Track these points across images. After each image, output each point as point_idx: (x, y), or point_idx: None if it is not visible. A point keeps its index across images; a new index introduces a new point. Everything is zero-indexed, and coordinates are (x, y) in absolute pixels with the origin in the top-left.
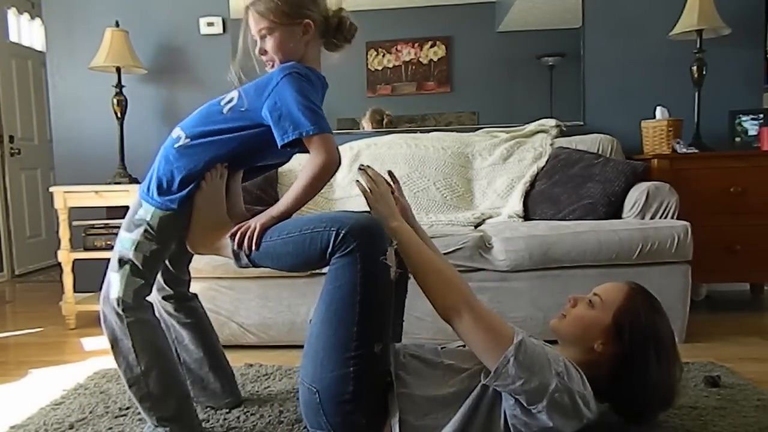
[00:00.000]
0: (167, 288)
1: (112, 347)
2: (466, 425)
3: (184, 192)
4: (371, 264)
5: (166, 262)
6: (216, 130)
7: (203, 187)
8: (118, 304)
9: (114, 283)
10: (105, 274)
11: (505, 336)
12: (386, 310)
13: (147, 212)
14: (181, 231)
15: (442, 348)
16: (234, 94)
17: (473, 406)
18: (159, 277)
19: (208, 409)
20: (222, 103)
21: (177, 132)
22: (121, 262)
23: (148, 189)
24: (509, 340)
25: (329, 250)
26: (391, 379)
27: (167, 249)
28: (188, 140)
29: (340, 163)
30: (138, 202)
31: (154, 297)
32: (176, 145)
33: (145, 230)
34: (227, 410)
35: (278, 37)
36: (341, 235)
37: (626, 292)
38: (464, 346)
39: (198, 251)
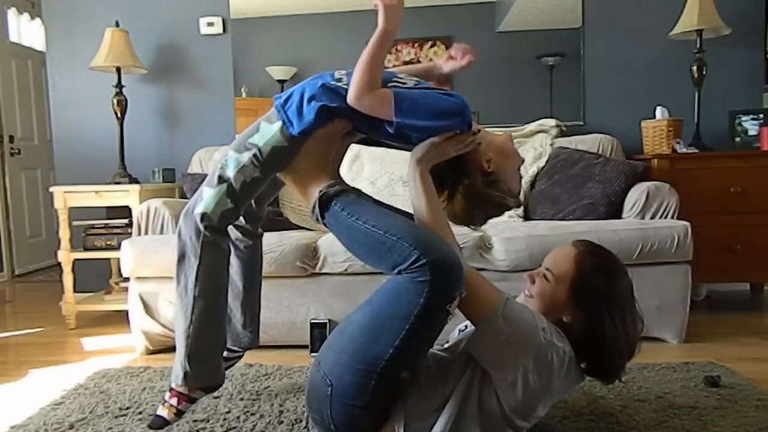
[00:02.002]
0: (242, 219)
1: (178, 263)
2: (461, 409)
3: (309, 124)
4: (435, 305)
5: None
6: None
7: (324, 130)
8: (202, 220)
9: (206, 198)
10: (105, 274)
11: (489, 297)
12: (428, 345)
13: (262, 138)
14: (283, 167)
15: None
16: (414, 81)
17: (466, 389)
18: None
19: (209, 408)
20: (394, 78)
21: (341, 73)
22: (221, 179)
23: (287, 101)
24: (494, 301)
25: (401, 268)
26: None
27: (266, 181)
28: (346, 86)
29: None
30: (255, 126)
31: None
32: (332, 83)
33: (255, 155)
34: (227, 410)
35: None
36: (420, 262)
37: (575, 258)
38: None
39: (288, 181)
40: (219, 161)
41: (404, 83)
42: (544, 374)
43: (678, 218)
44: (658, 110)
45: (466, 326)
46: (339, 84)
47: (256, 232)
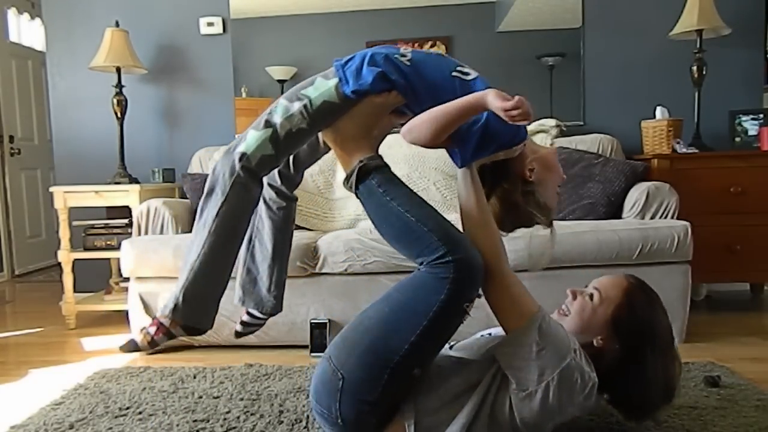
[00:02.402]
0: (277, 179)
1: (205, 197)
2: (476, 416)
3: (365, 86)
4: (455, 303)
5: (290, 158)
6: (430, 79)
7: (377, 98)
8: (240, 159)
9: (249, 139)
10: (105, 274)
11: (529, 306)
12: (442, 343)
13: (316, 90)
14: (329, 124)
15: (450, 346)
16: (475, 74)
17: (483, 397)
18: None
19: (209, 408)
20: (457, 68)
21: (406, 50)
22: (267, 124)
23: (348, 62)
24: (533, 311)
25: (425, 260)
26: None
27: (310, 135)
28: (408, 63)
29: None
30: (311, 80)
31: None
32: (395, 56)
33: (304, 106)
34: (227, 410)
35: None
36: (446, 259)
37: (625, 288)
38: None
39: (329, 140)
40: (269, 107)
41: (467, 75)
42: (564, 394)
43: (678, 218)
44: (658, 110)
45: (490, 333)
46: (402, 59)
47: (291, 195)
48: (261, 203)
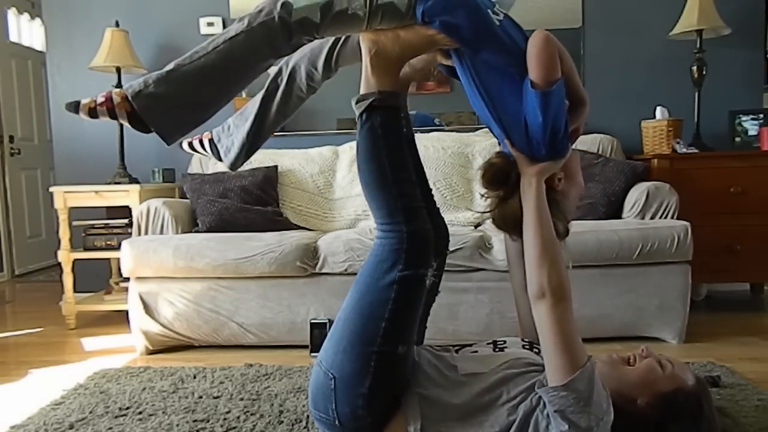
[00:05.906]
0: (320, 66)
1: (237, 21)
2: None
3: (434, 20)
4: (412, 272)
5: (336, 51)
6: (504, 47)
7: (429, 31)
8: (283, 5)
9: None
10: (105, 274)
11: (581, 351)
12: (416, 314)
13: None
14: (378, 27)
15: (456, 350)
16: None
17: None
18: (309, 46)
19: (209, 408)
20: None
21: (500, 9)
22: None
23: None
24: (584, 358)
25: (381, 220)
26: (408, 384)
27: (357, 28)
28: (498, 24)
29: None
30: None
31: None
32: (489, 10)
33: None
34: (227, 410)
35: None
36: (399, 229)
37: (698, 378)
38: (476, 351)
39: (365, 46)
40: None
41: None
42: None
43: (678, 218)
44: (658, 110)
45: (504, 341)
46: (494, 17)
47: (315, 79)
48: (285, 81)
